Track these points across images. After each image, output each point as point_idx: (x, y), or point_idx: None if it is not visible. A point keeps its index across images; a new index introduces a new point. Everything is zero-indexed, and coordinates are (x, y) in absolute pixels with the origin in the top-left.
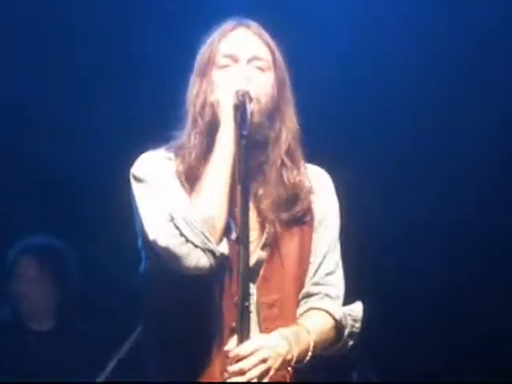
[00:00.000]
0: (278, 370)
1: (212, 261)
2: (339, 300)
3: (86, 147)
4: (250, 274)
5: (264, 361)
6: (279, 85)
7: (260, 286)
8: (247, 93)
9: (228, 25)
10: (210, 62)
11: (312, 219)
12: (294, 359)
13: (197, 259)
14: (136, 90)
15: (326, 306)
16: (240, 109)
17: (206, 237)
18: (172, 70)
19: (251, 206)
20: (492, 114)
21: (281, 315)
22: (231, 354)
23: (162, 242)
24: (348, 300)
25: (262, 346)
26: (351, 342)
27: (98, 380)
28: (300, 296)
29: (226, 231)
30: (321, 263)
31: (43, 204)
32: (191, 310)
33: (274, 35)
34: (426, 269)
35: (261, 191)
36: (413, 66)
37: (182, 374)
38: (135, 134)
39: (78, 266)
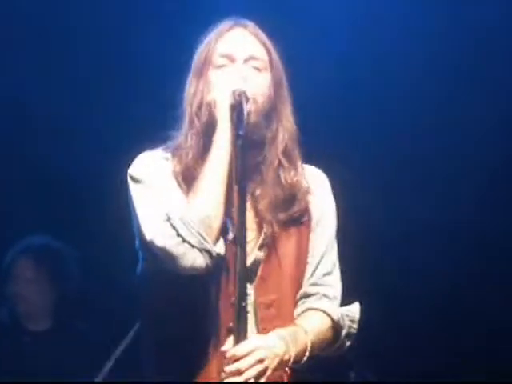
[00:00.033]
0: (275, 370)
1: (208, 261)
2: (337, 300)
3: (86, 147)
4: (247, 275)
5: (261, 361)
6: (276, 85)
7: (257, 287)
8: (244, 93)
9: (225, 25)
10: (206, 62)
11: (309, 219)
12: (292, 359)
13: (193, 259)
14: (136, 89)
15: (324, 307)
16: (236, 109)
17: (202, 237)
18: (172, 70)
19: (248, 206)
20: (492, 113)
21: (278, 315)
22: (228, 355)
23: (159, 242)
24: (347, 300)
25: (259, 347)
26: (348, 343)
27: (96, 380)
28: (298, 296)
29: (223, 231)
30: (318, 263)
31: (43, 204)
32: (188, 310)
33: (274, 35)
34: (425, 269)
35: (258, 191)
36: (413, 66)
37: (179, 374)
38: (135, 134)
39: (76, 266)
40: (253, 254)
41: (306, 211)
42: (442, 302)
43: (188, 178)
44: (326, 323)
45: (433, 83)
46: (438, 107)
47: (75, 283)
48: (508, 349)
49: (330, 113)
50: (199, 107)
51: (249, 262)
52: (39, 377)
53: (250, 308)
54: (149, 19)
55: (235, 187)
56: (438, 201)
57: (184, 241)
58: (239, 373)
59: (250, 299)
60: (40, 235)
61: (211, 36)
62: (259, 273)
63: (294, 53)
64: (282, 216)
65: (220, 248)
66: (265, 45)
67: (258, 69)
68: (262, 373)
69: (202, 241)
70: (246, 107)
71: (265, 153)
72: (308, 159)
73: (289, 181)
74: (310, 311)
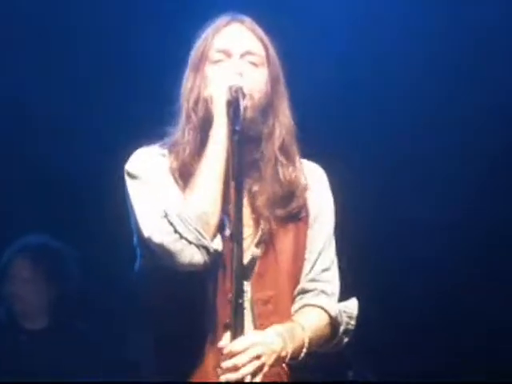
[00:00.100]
0: (272, 366)
1: (206, 257)
2: (335, 297)
3: (86, 147)
4: (244, 271)
5: (258, 357)
6: (273, 80)
7: (254, 283)
8: (240, 88)
9: (222, 20)
10: (203, 57)
11: (307, 216)
12: (289, 356)
13: (191, 255)
14: (136, 89)
15: (322, 303)
16: (233, 104)
17: (199, 233)
18: (172, 67)
19: (246, 202)
20: (492, 113)
21: (275, 312)
22: (225, 351)
23: (157, 238)
24: (345, 297)
25: (256, 343)
26: (346, 339)
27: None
28: (295, 292)
29: (220, 228)
30: (316, 260)
31: (43, 204)
32: (185, 307)
33: (271, 32)
34: (424, 266)
35: (255, 188)
36: (412, 65)
37: (177, 369)
38: (135, 134)
39: (75, 265)
40: (250, 250)
41: (303, 207)
42: (441, 300)
43: (185, 174)
44: (323, 319)
45: (432, 82)
46: (437, 106)
47: (73, 282)
48: (508, 349)
49: (329, 111)
50: (196, 102)
51: (246, 258)
52: (36, 375)
53: (247, 304)
54: (147, 17)
55: (232, 183)
56: (437, 199)
57: (181, 237)
58: (236, 369)
59: (247, 295)
60: (37, 234)
61: (208, 31)
62: (256, 269)
63: (292, 50)
64: (279, 212)
65: (217, 244)
66: (262, 40)
67: (254, 64)
68: (259, 369)
69: (200, 237)
70: (243, 103)
71: (262, 149)
72: (307, 157)
73: (287, 177)
74: (308, 307)
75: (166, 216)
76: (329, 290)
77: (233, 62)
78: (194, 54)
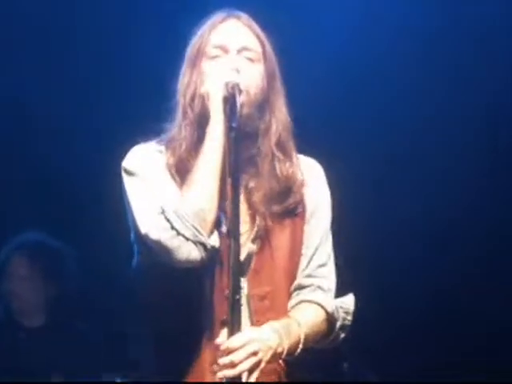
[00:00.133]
0: (268, 362)
1: (203, 253)
2: (331, 292)
3: (86, 147)
4: (241, 267)
5: (255, 353)
6: (269, 76)
7: (251, 279)
8: (237, 85)
9: (218, 16)
10: (200, 53)
11: (304, 211)
12: (285, 352)
13: (188, 252)
14: (136, 89)
15: (318, 299)
16: (229, 101)
17: (197, 230)
18: (171, 67)
19: (242, 198)
20: (491, 113)
21: (272, 308)
22: (222, 347)
23: (154, 235)
24: (342, 293)
25: (253, 339)
26: (343, 335)
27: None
28: (292, 288)
29: (217, 224)
30: (313, 255)
31: (43, 204)
32: (183, 303)
33: (270, 31)
34: (421, 262)
35: (252, 184)
36: (410, 62)
37: (174, 366)
38: (135, 134)
39: (73, 263)
40: (246, 246)
41: (300, 203)
42: (438, 296)
43: (182, 171)
44: (320, 315)
45: (430, 80)
46: (435, 104)
47: (70, 280)
48: (508, 348)
49: (326, 107)
50: (192, 98)
51: (242, 254)
52: (34, 373)
53: (243, 300)
54: (144, 15)
55: (229, 180)
56: (435, 196)
57: (178, 234)
58: (233, 365)
59: (244, 292)
60: (35, 232)
61: (205, 27)
62: (252, 265)
63: (288, 46)
64: (276, 208)
65: (214, 241)
66: (258, 36)
67: (251, 60)
68: (256, 365)
69: (197, 233)
70: (239, 99)
71: (258, 145)
72: (304, 153)
73: (284, 173)
74: (304, 303)
75: (163, 212)
76: (325, 285)
77: (230, 58)
78: (190, 50)
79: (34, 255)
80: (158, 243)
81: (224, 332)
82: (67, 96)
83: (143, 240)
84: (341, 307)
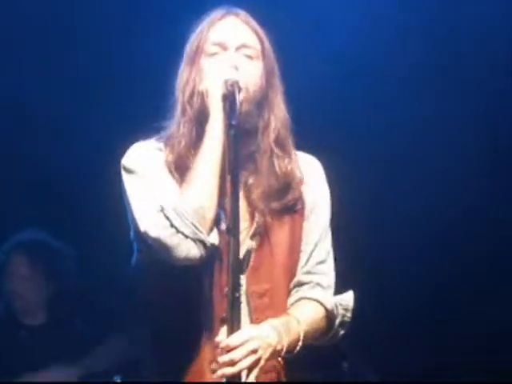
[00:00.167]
0: (267, 360)
1: (202, 251)
2: (330, 289)
3: (86, 147)
4: (240, 264)
5: (254, 351)
6: (268, 73)
7: (250, 276)
8: (236, 82)
9: (217, 13)
10: (198, 51)
11: (303, 208)
12: (284, 349)
13: (187, 250)
14: (136, 89)
15: (318, 296)
16: (229, 99)
17: (196, 227)
18: (173, 67)
19: (241, 195)
20: (491, 112)
21: (271, 305)
22: (222, 345)
23: (153, 233)
24: (341, 290)
25: (253, 337)
26: (342, 332)
27: None
28: (291, 285)
29: (216, 222)
30: (312, 252)
31: (43, 204)
32: (182, 301)
33: (269, 28)
34: (421, 258)
35: (251, 180)
36: (408, 58)
37: (173, 364)
38: (136, 134)
39: (73, 262)
40: (245, 243)
41: (299, 199)
42: (438, 292)
43: (181, 168)
44: (319, 312)
45: (431, 80)
46: (433, 100)
47: (71, 279)
48: (508, 348)
49: (325, 104)
50: (191, 95)
51: (241, 251)
52: (36, 371)
53: (242, 298)
54: (143, 13)
55: (228, 177)
56: (434, 192)
57: (178, 231)
58: (233, 363)
59: (243, 289)
60: (35, 231)
61: (203, 25)
62: (251, 262)
63: (287, 43)
64: (275, 205)
65: (214, 238)
66: (257, 33)
67: (250, 57)
68: (255, 363)
69: (196, 231)
70: (239, 97)
71: (257, 142)
72: (303, 150)
73: (283, 169)
74: (304, 300)
75: (162, 210)
76: (325, 282)
77: (228, 55)
78: (189, 48)
79: (34, 254)
80: (158, 241)
81: (223, 330)
82: (67, 96)
83: (142, 238)
84: (340, 304)
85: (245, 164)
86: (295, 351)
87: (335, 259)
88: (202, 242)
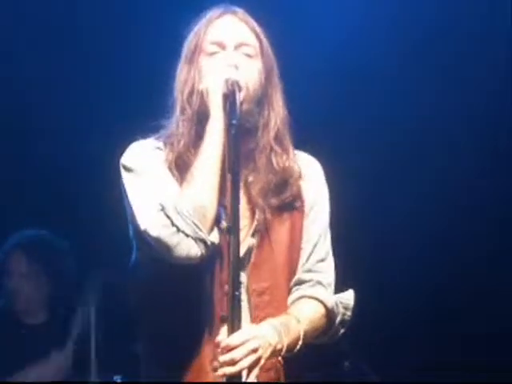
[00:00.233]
0: (268, 359)
1: (203, 250)
2: (331, 288)
3: (86, 147)
4: (240, 262)
5: (255, 351)
6: (267, 71)
7: (250, 273)
8: (236, 82)
9: (214, 12)
10: (197, 49)
11: (302, 205)
12: (284, 349)
13: (188, 248)
14: (137, 89)
15: (318, 294)
16: (229, 98)
17: (196, 226)
18: (172, 66)
19: (241, 193)
20: (491, 112)
21: (271, 302)
22: (222, 344)
23: (154, 232)
24: (341, 288)
25: (253, 336)
26: (342, 330)
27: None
28: (292, 283)
29: (217, 220)
30: (312, 250)
31: (43, 204)
32: (182, 300)
33: (266, 26)
34: (421, 257)
35: (251, 178)
36: (405, 57)
37: (174, 362)
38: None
39: (72, 260)
40: (246, 241)
41: (298, 196)
42: (438, 292)
43: (180, 167)
44: (319, 311)
45: (430, 80)
46: (430, 98)
47: (71, 277)
48: (508, 348)
49: (323, 102)
50: (190, 94)
51: (242, 249)
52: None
53: (243, 296)
54: (142, 12)
55: (228, 176)
56: (435, 194)
57: (178, 230)
58: (233, 362)
59: (243, 286)
60: (34, 229)
61: (201, 23)
62: (252, 259)
63: (285, 41)
64: (273, 201)
65: (214, 237)
66: (255, 31)
67: (249, 55)
68: (256, 362)
69: (197, 230)
70: (239, 96)
71: (257, 139)
72: (302, 149)
73: (281, 165)
74: (304, 299)
75: (162, 209)
76: (325, 280)
77: (227, 54)
78: (187, 47)
79: (34, 253)
80: (158, 240)
81: (224, 328)
82: (67, 96)
83: (142, 236)
84: (340, 302)
85: (244, 162)
86: (295, 350)
87: (335, 258)
88: (203, 241)
